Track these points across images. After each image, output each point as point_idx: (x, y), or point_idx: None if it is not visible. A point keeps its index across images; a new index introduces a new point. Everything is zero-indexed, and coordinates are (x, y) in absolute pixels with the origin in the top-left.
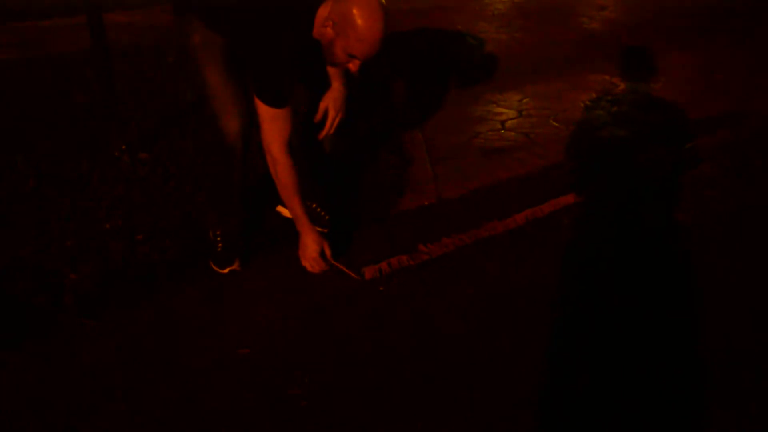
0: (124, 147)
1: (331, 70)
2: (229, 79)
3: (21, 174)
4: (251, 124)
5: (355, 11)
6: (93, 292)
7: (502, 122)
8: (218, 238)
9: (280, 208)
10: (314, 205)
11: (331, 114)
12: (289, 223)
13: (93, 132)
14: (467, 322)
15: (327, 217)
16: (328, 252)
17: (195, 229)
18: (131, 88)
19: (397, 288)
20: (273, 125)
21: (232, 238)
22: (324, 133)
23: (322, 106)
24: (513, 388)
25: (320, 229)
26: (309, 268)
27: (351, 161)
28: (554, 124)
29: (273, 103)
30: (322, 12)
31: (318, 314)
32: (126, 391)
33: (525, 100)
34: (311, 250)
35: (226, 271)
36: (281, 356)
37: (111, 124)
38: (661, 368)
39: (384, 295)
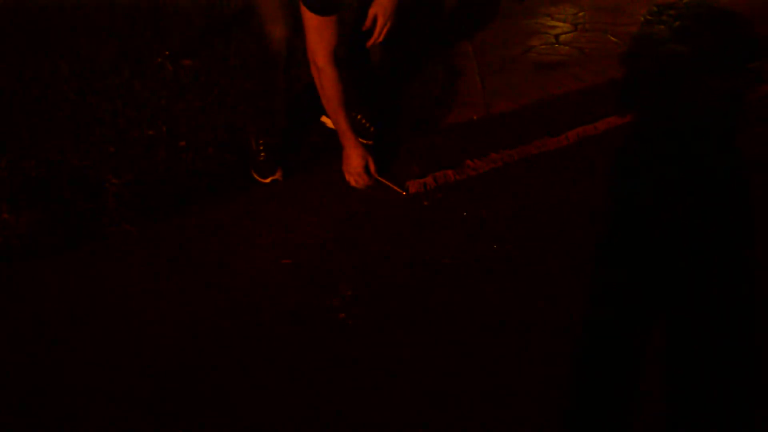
0: (167, 53)
1: None
2: None
3: (64, 80)
4: (296, 33)
5: None
6: (136, 198)
7: (557, 36)
8: (261, 147)
9: (324, 119)
10: (359, 117)
11: (380, 22)
12: (333, 134)
13: (135, 39)
14: (512, 236)
15: (372, 129)
16: (372, 167)
17: (238, 138)
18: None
19: (441, 202)
20: (318, 34)
21: (274, 147)
22: (372, 41)
23: (371, 12)
24: (562, 311)
25: (365, 142)
26: (353, 183)
27: (399, 72)
28: (611, 38)
29: (319, 10)
30: None
31: (360, 226)
32: (168, 299)
33: (581, 14)
34: (355, 164)
35: (268, 180)
36: (323, 267)
37: (153, 30)
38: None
39: (428, 207)
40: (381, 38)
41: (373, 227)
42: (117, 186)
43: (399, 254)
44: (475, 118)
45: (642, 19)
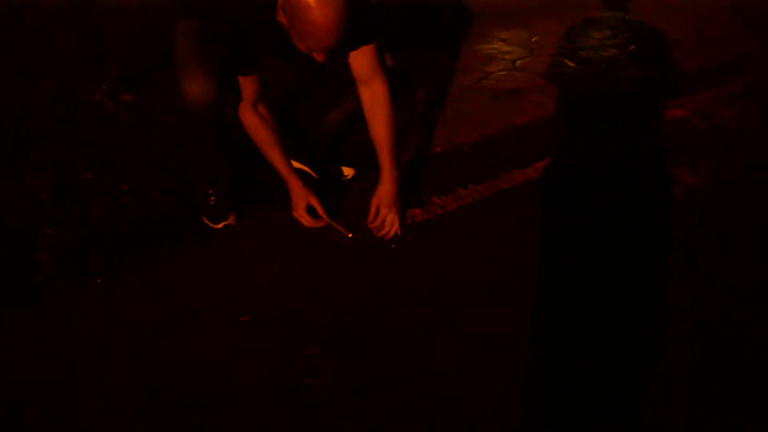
0: (104, 88)
1: (382, 157)
2: (199, 50)
3: None
4: (218, 93)
5: None
6: (72, 251)
7: (513, 61)
8: (210, 191)
9: None
10: (300, 166)
11: (383, 213)
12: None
13: (70, 73)
14: (489, 293)
15: (316, 177)
16: (318, 207)
17: (185, 180)
18: (111, 30)
19: (409, 246)
20: (240, 87)
21: (225, 190)
22: (384, 233)
23: (372, 205)
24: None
25: (313, 175)
26: (304, 223)
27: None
28: (569, 63)
29: (235, 71)
30: None
31: (323, 275)
32: (107, 371)
33: (535, 38)
34: (294, 205)
35: (220, 226)
36: (283, 325)
37: (90, 64)
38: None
39: (395, 252)
40: (393, 231)
41: (337, 276)
42: (50, 238)
43: (367, 307)
44: (438, 150)
45: (597, 43)
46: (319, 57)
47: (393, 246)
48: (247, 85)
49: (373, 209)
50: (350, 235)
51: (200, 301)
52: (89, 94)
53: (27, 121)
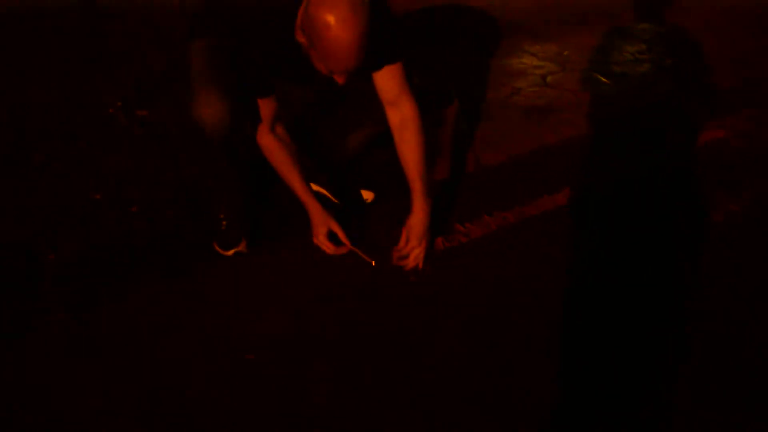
0: (119, 104)
1: (414, 184)
2: (214, 70)
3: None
4: (233, 116)
5: (320, 16)
6: (76, 277)
7: (543, 77)
8: (221, 216)
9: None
10: (320, 189)
11: (412, 244)
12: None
13: (84, 87)
14: (522, 335)
15: (337, 201)
16: (341, 233)
17: (198, 200)
18: (127, 43)
19: (430, 279)
20: (259, 110)
21: (238, 214)
22: (404, 263)
23: (403, 232)
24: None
25: (334, 200)
26: (326, 250)
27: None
28: (602, 79)
29: (250, 93)
30: (300, 14)
31: (337, 310)
32: (109, 411)
33: (566, 53)
34: (316, 231)
35: (230, 253)
36: (291, 366)
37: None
38: None
39: (415, 285)
40: (414, 263)
41: (352, 312)
42: (53, 264)
43: (383, 351)
44: (464, 172)
45: (631, 57)
46: (340, 79)
47: (412, 279)
48: (266, 107)
49: (403, 239)
50: (374, 263)
51: (203, 335)
52: (103, 106)
53: (34, 131)
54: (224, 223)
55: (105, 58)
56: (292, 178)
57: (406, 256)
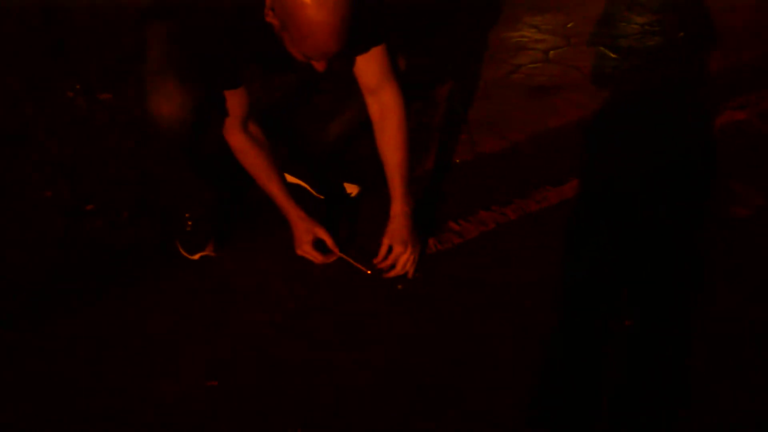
0: (78, 86)
1: (393, 185)
2: (173, 59)
3: None
4: (195, 111)
5: None
6: (18, 287)
7: (546, 51)
8: (186, 215)
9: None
10: (302, 184)
11: (396, 251)
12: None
13: (39, 75)
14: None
15: (322, 197)
16: (328, 240)
17: (162, 197)
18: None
19: (419, 287)
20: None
21: (204, 215)
22: (394, 273)
23: (384, 242)
24: None
25: (317, 196)
26: (314, 261)
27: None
28: (610, 54)
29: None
30: None
31: (312, 326)
32: None
33: (570, 24)
34: (298, 240)
35: (196, 257)
36: (260, 392)
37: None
38: None
39: (402, 294)
40: (403, 271)
41: (329, 327)
42: None
43: (363, 375)
44: (458, 161)
45: (640, 29)
46: (318, 66)
47: (399, 287)
48: (234, 100)
49: (384, 248)
50: (369, 273)
51: (162, 357)
52: (60, 90)
53: None
54: (189, 223)
55: (65, 48)
56: (268, 182)
57: (393, 266)
